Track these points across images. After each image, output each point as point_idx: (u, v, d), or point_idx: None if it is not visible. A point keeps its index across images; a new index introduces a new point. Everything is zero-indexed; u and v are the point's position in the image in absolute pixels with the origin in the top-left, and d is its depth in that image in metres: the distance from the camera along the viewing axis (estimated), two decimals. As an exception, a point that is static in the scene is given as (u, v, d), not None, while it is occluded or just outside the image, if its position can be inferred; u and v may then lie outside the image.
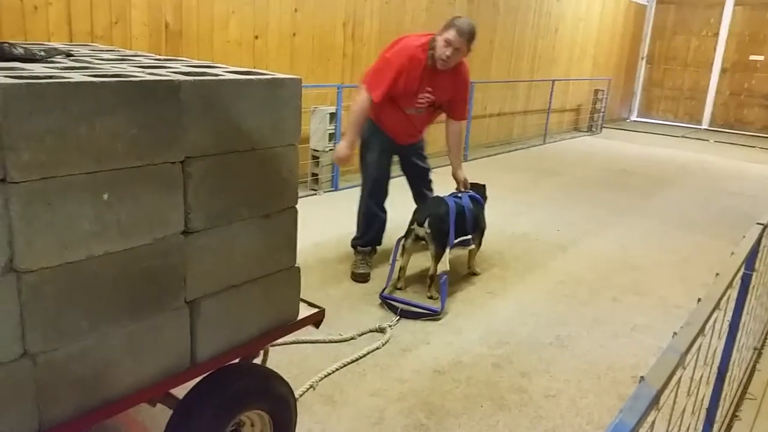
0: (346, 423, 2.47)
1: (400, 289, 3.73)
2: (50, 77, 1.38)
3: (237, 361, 1.94)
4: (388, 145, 3.96)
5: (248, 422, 1.94)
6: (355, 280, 3.87)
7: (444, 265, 3.56)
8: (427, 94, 3.71)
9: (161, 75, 1.60)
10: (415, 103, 3.74)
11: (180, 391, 1.80)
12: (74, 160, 1.37)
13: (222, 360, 1.82)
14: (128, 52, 2.39)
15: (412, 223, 3.65)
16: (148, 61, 1.99)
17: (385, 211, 4.11)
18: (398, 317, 3.38)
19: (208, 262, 1.71)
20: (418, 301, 3.59)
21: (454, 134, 4.04)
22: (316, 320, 2.13)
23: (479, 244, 4.09)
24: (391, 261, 3.78)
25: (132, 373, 1.58)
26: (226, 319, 1.80)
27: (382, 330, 3.24)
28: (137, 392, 1.60)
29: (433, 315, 3.44)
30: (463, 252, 4.01)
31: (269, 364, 2.17)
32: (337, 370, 2.83)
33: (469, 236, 3.80)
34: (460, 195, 3.88)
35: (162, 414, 1.87)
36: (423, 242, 3.63)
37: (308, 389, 2.66)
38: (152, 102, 1.49)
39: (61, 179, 1.36)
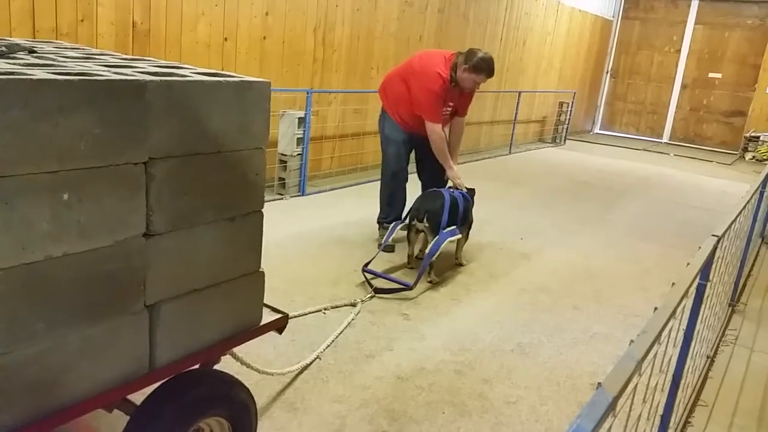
0: (307, 430, 2.46)
1: (413, 268, 4.25)
2: (11, 73, 1.35)
3: (197, 366, 1.91)
4: (407, 139, 4.45)
5: (207, 429, 1.92)
6: (383, 251, 4.32)
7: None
8: (449, 107, 4.36)
9: (127, 74, 1.58)
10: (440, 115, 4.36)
11: (138, 397, 1.77)
12: (34, 158, 1.34)
13: (181, 365, 1.80)
14: (94, 50, 2.34)
15: (411, 219, 4.10)
16: (115, 60, 1.96)
17: (404, 191, 4.65)
18: (372, 294, 3.75)
19: (169, 266, 1.69)
20: (394, 276, 4.06)
21: (457, 126, 4.61)
22: (280, 326, 2.13)
23: (466, 237, 4.44)
24: (383, 240, 4.24)
25: (88, 377, 1.55)
26: (186, 323, 1.78)
27: (353, 304, 3.58)
28: (93, 398, 1.57)
29: (405, 289, 3.83)
30: (450, 244, 4.19)
31: (230, 370, 2.14)
32: (306, 367, 2.82)
33: (455, 227, 4.09)
34: (454, 190, 4.27)
35: (118, 420, 1.84)
36: (422, 233, 4.12)
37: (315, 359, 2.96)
38: (117, 101, 1.47)
39: (20, 178, 1.33)
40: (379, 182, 4.76)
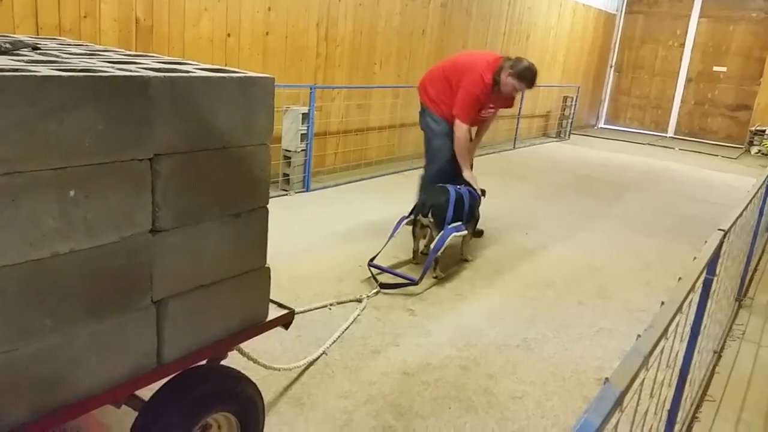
0: (313, 425, 2.46)
1: (418, 263, 4.25)
2: (16, 70, 1.35)
3: (204, 362, 1.92)
4: (451, 132, 4.45)
5: (215, 425, 1.92)
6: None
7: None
8: (490, 109, 4.49)
9: (131, 71, 1.57)
10: (480, 117, 4.48)
11: (146, 393, 1.78)
12: (40, 155, 1.34)
13: (189, 361, 1.80)
14: (97, 47, 2.34)
15: (416, 214, 4.10)
16: (118, 56, 1.96)
17: None
18: (377, 289, 3.75)
19: (175, 262, 1.69)
20: (400, 271, 4.06)
21: (490, 117, 4.71)
22: (286, 321, 2.13)
23: (472, 233, 4.52)
24: (389, 235, 4.10)
25: (96, 373, 1.55)
26: (193, 319, 1.78)
27: (359, 300, 3.59)
28: (101, 394, 1.57)
29: (411, 284, 3.84)
30: (456, 240, 4.20)
31: (237, 366, 2.15)
32: (312, 362, 2.82)
33: (461, 223, 4.10)
34: (460, 186, 4.26)
35: (127, 416, 1.84)
36: (428, 228, 4.14)
37: (321, 355, 2.99)
38: (121, 98, 1.47)
39: (27, 175, 1.33)
40: (377, 178, 4.78)
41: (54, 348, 1.45)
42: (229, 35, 5.43)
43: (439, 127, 4.50)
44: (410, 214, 4.19)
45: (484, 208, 4.71)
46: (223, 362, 2.06)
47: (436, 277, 4.06)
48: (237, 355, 2.19)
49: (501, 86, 4.25)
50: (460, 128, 4.29)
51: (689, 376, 2.30)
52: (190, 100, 1.63)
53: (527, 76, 4.22)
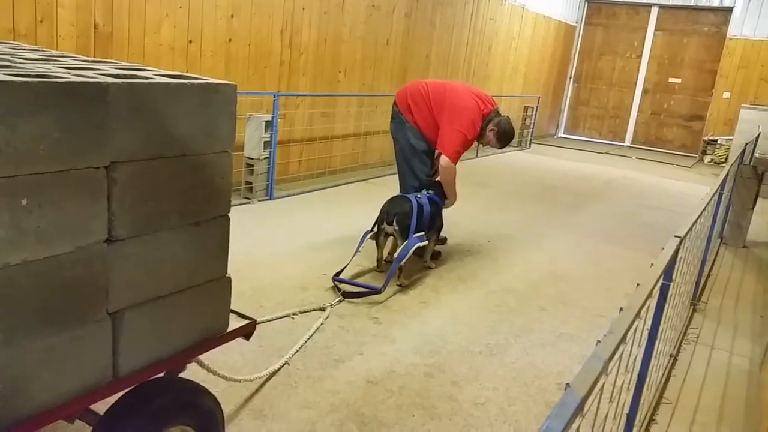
0: (276, 436, 2.43)
1: (382, 271, 4.25)
2: (-36, 75, 1.31)
3: (162, 374, 1.87)
4: (429, 149, 4.57)
5: (174, 438, 1.88)
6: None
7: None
8: (472, 144, 4.59)
9: (88, 77, 1.54)
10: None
11: (101, 407, 1.73)
12: (-10, 163, 1.30)
13: (146, 374, 1.76)
14: (54, 52, 2.29)
15: (381, 222, 4.12)
16: (75, 62, 1.91)
17: None
18: (341, 298, 3.74)
19: (132, 272, 1.65)
20: (364, 282, 4.06)
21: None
22: (247, 332, 2.10)
23: (436, 240, 4.55)
24: (354, 250, 4.11)
25: (49, 388, 1.50)
26: (151, 331, 1.74)
27: (323, 309, 3.57)
28: (54, 408, 1.52)
29: (374, 293, 3.83)
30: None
31: (196, 378, 2.10)
32: (281, 366, 2.79)
33: (423, 233, 4.13)
34: (419, 195, 4.28)
35: (81, 431, 1.79)
36: (392, 236, 4.17)
37: (283, 365, 2.95)
38: (78, 104, 1.44)
39: (-25, 183, 1.28)
40: (342, 186, 4.73)
41: (5, 363, 1.40)
42: (190, 42, 5.36)
43: (419, 144, 4.49)
44: (373, 227, 4.19)
45: (448, 215, 4.74)
46: (181, 374, 2.02)
47: (400, 285, 4.06)
48: (196, 367, 2.15)
49: (481, 136, 4.43)
50: (449, 166, 4.32)
51: (647, 380, 2.35)
52: (149, 107, 1.60)
53: (505, 140, 4.46)
